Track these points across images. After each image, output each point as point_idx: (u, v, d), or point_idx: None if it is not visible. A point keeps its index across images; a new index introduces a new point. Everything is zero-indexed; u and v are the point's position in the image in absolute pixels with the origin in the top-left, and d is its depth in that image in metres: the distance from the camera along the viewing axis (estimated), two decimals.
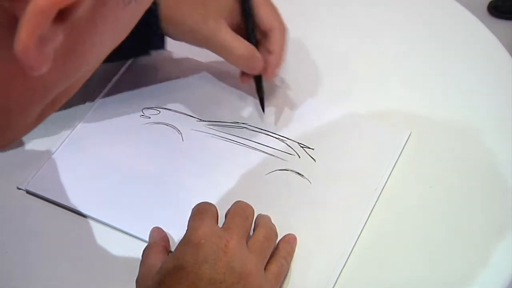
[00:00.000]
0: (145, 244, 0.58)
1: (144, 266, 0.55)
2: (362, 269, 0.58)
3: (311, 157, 0.65)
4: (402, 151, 0.65)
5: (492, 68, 0.73)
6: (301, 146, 0.66)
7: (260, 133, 0.67)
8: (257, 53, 0.63)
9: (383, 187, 0.62)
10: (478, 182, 0.63)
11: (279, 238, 0.58)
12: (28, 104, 0.30)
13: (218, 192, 0.63)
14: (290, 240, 0.58)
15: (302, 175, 0.64)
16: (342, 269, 0.57)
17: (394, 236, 0.60)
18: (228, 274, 0.51)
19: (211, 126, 0.68)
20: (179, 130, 0.68)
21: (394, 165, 0.64)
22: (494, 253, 0.58)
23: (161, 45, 0.66)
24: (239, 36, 0.62)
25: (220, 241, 0.52)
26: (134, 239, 0.60)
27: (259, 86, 0.65)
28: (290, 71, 0.72)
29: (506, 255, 0.58)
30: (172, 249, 0.58)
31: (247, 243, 0.55)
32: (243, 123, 0.68)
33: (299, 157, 0.65)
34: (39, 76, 0.26)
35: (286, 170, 0.64)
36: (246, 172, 0.64)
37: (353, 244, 0.58)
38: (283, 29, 0.64)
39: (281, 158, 0.65)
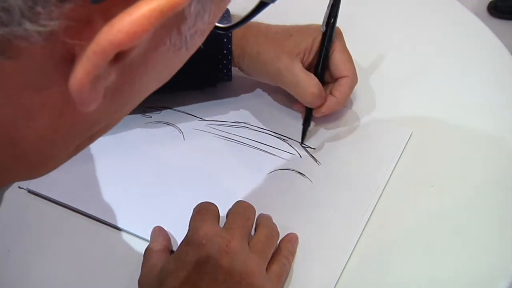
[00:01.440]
0: (147, 244, 0.58)
1: (146, 266, 0.55)
2: (363, 268, 0.58)
3: (313, 156, 0.65)
4: (403, 151, 0.65)
5: (493, 68, 0.73)
6: (302, 146, 0.66)
7: (261, 133, 0.67)
8: (323, 93, 0.64)
9: (385, 187, 0.62)
10: (478, 182, 0.63)
11: (280, 237, 0.58)
12: (71, 138, 0.30)
13: (219, 191, 0.63)
14: (292, 240, 0.58)
15: (303, 175, 0.64)
16: (343, 268, 0.57)
17: (395, 235, 0.60)
18: (229, 274, 0.51)
19: (212, 126, 0.68)
20: (180, 130, 0.68)
21: (396, 165, 0.64)
22: (494, 253, 0.58)
23: (228, 78, 0.68)
24: (311, 74, 0.64)
25: (222, 241, 0.52)
26: (136, 239, 0.60)
27: (307, 118, 0.66)
28: None
29: (506, 255, 0.58)
30: (174, 248, 0.59)
31: (248, 243, 0.55)
32: (244, 123, 0.68)
33: (301, 156, 0.65)
34: (87, 112, 0.27)
35: (287, 169, 0.64)
36: (247, 171, 0.64)
37: (355, 244, 0.59)
38: (354, 80, 0.65)
39: (283, 158, 0.65)
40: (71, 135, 0.30)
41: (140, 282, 0.55)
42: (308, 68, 0.65)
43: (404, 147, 0.65)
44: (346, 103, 0.67)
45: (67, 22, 0.24)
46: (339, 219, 0.60)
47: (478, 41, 0.76)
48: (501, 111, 0.69)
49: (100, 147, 0.67)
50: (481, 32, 0.77)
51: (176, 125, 0.68)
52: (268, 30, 0.66)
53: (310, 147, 0.66)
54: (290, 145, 0.66)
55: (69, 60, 0.25)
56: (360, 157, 0.65)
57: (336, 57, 0.65)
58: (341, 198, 0.62)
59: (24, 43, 0.23)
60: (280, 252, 0.57)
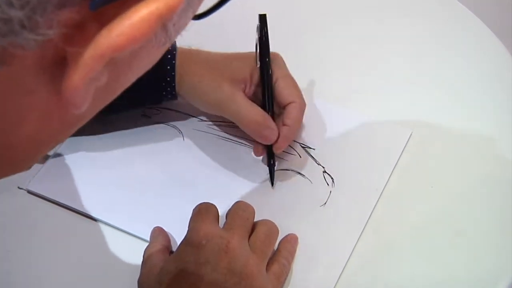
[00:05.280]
0: (146, 244, 0.58)
1: (145, 267, 0.55)
2: (363, 269, 0.58)
3: (312, 157, 0.65)
4: (403, 151, 0.65)
5: (493, 68, 0.73)
6: (302, 146, 0.66)
7: None
8: (271, 123, 0.62)
9: (384, 187, 0.62)
10: (478, 182, 0.63)
11: (280, 238, 0.58)
12: (58, 135, 0.31)
13: (218, 192, 0.63)
14: (291, 240, 0.58)
15: (303, 175, 0.64)
16: (343, 268, 0.57)
17: (395, 236, 0.60)
18: (229, 275, 0.51)
19: (212, 126, 0.68)
20: (180, 130, 0.68)
21: (395, 165, 0.64)
22: (494, 253, 0.58)
23: (173, 96, 0.65)
24: (253, 103, 0.62)
25: (221, 242, 0.52)
26: (135, 239, 0.60)
27: (270, 158, 0.63)
28: (290, 71, 0.72)
29: (506, 255, 0.58)
30: (173, 249, 0.58)
31: (248, 242, 0.55)
32: None
33: (300, 157, 0.65)
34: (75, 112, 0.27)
35: (287, 170, 0.64)
36: (247, 172, 0.64)
37: (354, 244, 0.59)
38: (302, 105, 0.63)
39: (282, 158, 0.65)
40: (57, 133, 0.30)
41: (139, 283, 0.55)
42: (253, 99, 0.63)
43: (404, 147, 0.65)
44: (299, 130, 0.65)
45: (63, 29, 0.24)
46: (338, 220, 0.60)
47: (478, 41, 0.76)
48: (501, 111, 0.69)
49: (99, 148, 0.67)
50: (481, 32, 0.77)
51: (176, 125, 0.68)
52: (209, 58, 0.64)
53: (310, 147, 0.66)
54: (290, 146, 0.66)
55: (59, 62, 0.25)
56: (360, 157, 0.65)
57: (280, 85, 0.63)
58: (341, 199, 0.62)
59: (19, 51, 0.23)
60: (279, 252, 0.57)
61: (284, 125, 0.62)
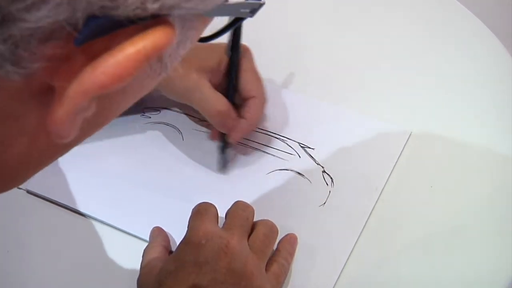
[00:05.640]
0: (146, 244, 0.58)
1: (145, 267, 0.55)
2: (362, 269, 0.58)
3: (312, 157, 0.65)
4: (402, 151, 0.65)
5: (493, 68, 0.73)
6: (301, 146, 0.66)
7: (260, 133, 0.67)
8: (233, 113, 0.63)
9: (384, 187, 0.62)
10: (478, 182, 0.63)
11: (279, 238, 0.58)
12: (46, 158, 0.31)
13: (218, 192, 0.63)
14: (291, 240, 0.58)
15: (302, 175, 0.64)
16: (342, 268, 0.57)
17: (394, 235, 0.60)
18: (229, 275, 0.51)
19: (211, 126, 0.68)
20: (179, 130, 0.68)
21: (395, 165, 0.64)
22: (494, 253, 0.58)
23: None
24: (219, 93, 0.63)
25: (221, 242, 0.52)
26: (135, 239, 0.60)
27: (224, 145, 0.65)
28: (290, 71, 0.72)
29: (506, 255, 0.58)
30: (173, 249, 0.58)
31: (247, 242, 0.55)
32: None
33: (300, 157, 0.65)
34: None
35: (286, 170, 0.64)
36: (246, 172, 0.64)
37: (354, 244, 0.59)
38: (263, 100, 0.65)
39: (282, 158, 0.65)
40: (47, 156, 0.30)
41: (139, 283, 0.55)
42: (218, 89, 0.63)
43: (403, 147, 0.65)
44: (258, 124, 0.66)
45: (48, 63, 0.23)
46: (337, 220, 0.60)
47: (477, 41, 0.76)
48: (500, 111, 0.69)
49: (99, 148, 0.67)
50: (480, 32, 0.77)
51: (175, 125, 0.68)
52: None
53: (309, 147, 0.66)
54: (289, 145, 0.66)
55: (46, 91, 0.25)
56: (359, 157, 0.65)
57: (245, 78, 0.63)
58: (340, 198, 0.62)
59: (3, 82, 0.23)
60: (279, 253, 0.57)
61: (243, 117, 0.63)
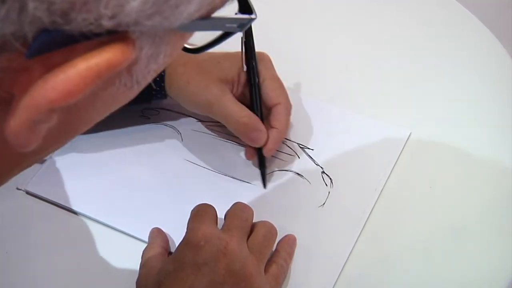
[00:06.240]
0: (145, 245, 0.58)
1: (144, 268, 0.55)
2: (361, 270, 0.57)
3: (311, 157, 0.65)
4: (402, 151, 0.65)
5: (492, 68, 0.73)
6: (300, 147, 0.66)
7: None
8: (261, 125, 0.62)
9: (383, 187, 0.62)
10: (477, 182, 0.63)
11: (278, 238, 0.58)
12: (18, 164, 0.30)
13: (217, 193, 0.63)
14: (289, 241, 0.58)
15: (301, 176, 0.64)
16: (342, 269, 0.57)
17: (394, 236, 0.60)
18: (228, 276, 0.51)
19: (210, 127, 0.68)
20: (178, 131, 0.68)
21: (394, 165, 0.64)
22: (494, 253, 0.58)
23: (162, 96, 0.65)
24: (242, 105, 0.62)
25: (220, 243, 0.52)
26: (134, 240, 0.60)
27: (262, 161, 0.63)
28: (289, 71, 0.72)
29: (506, 255, 0.58)
30: (172, 250, 0.58)
31: (246, 243, 0.55)
32: None
33: (299, 157, 0.65)
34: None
35: (285, 170, 0.64)
36: (245, 172, 0.64)
37: (353, 245, 0.58)
38: (288, 106, 0.64)
39: (281, 159, 0.65)
40: (17, 163, 0.30)
41: (138, 284, 0.55)
42: (241, 99, 0.63)
43: (403, 148, 0.65)
44: (288, 131, 0.65)
45: (4, 73, 0.23)
46: (337, 220, 0.60)
47: (477, 41, 0.76)
48: (500, 111, 0.69)
49: (98, 149, 0.67)
50: (480, 33, 0.77)
51: (174, 126, 0.68)
52: (197, 58, 0.62)
53: (309, 148, 0.66)
54: (289, 146, 0.66)
55: (10, 98, 0.24)
56: (359, 158, 0.65)
57: (267, 86, 0.63)
58: (339, 199, 0.62)
59: None
60: (278, 254, 0.57)
61: (272, 127, 0.62)
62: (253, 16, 0.32)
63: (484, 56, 0.74)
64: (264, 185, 0.63)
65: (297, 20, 0.78)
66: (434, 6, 0.79)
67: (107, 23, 0.24)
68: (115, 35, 0.25)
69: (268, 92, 0.63)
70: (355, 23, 0.78)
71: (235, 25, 0.32)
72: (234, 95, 0.63)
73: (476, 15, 0.78)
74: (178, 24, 0.27)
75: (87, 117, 0.29)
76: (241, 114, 0.61)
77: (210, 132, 0.68)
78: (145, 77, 0.29)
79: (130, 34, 0.25)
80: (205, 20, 0.28)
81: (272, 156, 0.64)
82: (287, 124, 0.64)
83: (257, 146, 0.62)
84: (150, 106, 0.69)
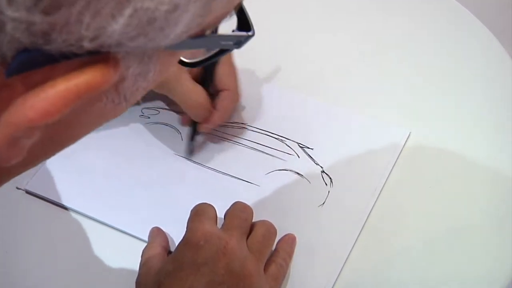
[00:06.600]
0: (145, 244, 0.58)
1: (143, 267, 0.55)
2: (361, 269, 0.58)
3: (311, 157, 0.65)
4: (401, 151, 0.65)
5: (492, 68, 0.73)
6: (300, 146, 0.66)
7: (259, 133, 0.67)
8: (209, 105, 0.64)
9: (383, 187, 0.62)
10: (477, 182, 0.63)
11: (278, 238, 0.58)
12: (5, 175, 0.30)
13: (217, 192, 0.63)
14: (289, 241, 0.58)
15: (301, 175, 0.64)
16: (341, 269, 0.57)
17: (393, 236, 0.60)
18: (227, 276, 0.51)
19: (183, 112, 0.68)
20: (178, 130, 0.68)
21: (394, 165, 0.64)
22: (494, 253, 0.58)
23: None
24: (198, 85, 0.63)
25: (220, 243, 0.52)
26: (134, 239, 0.60)
27: (193, 132, 0.66)
28: (289, 71, 0.72)
29: (506, 255, 0.58)
30: (172, 249, 0.58)
31: (246, 242, 0.55)
32: (242, 123, 0.68)
33: (299, 157, 0.65)
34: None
35: (285, 170, 0.64)
36: (245, 172, 0.64)
37: (353, 244, 0.59)
38: (236, 94, 0.65)
39: (281, 158, 0.65)
40: (4, 173, 0.29)
41: (137, 283, 0.55)
42: (195, 78, 0.64)
43: (403, 147, 0.65)
44: (229, 117, 0.66)
45: None
46: (337, 220, 0.60)
47: (477, 41, 0.76)
48: (500, 111, 0.69)
49: (98, 148, 0.67)
50: (480, 33, 0.77)
51: (174, 125, 0.68)
52: None
53: (308, 147, 0.66)
54: (288, 146, 0.66)
55: None
56: (358, 157, 0.65)
57: (219, 70, 0.64)
58: (339, 199, 0.62)
59: None
60: (277, 253, 0.57)
61: (215, 109, 0.64)
62: (250, 33, 0.31)
63: (484, 56, 0.74)
64: (190, 155, 0.65)
65: (297, 20, 0.78)
66: (434, 6, 0.79)
67: (88, 45, 0.23)
68: (97, 56, 0.24)
69: (221, 76, 0.64)
70: (355, 23, 0.78)
71: (231, 43, 0.31)
72: (191, 75, 0.64)
73: (476, 15, 0.78)
74: (165, 44, 0.26)
75: (73, 132, 0.29)
76: (199, 94, 0.63)
77: (210, 131, 0.68)
78: (133, 94, 0.28)
79: (114, 54, 0.25)
80: (197, 39, 0.28)
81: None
82: (229, 110, 0.66)
83: (198, 121, 0.65)
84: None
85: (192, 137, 0.66)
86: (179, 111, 0.68)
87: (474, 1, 0.83)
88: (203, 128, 0.65)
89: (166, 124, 0.68)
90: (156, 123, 0.69)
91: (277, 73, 0.72)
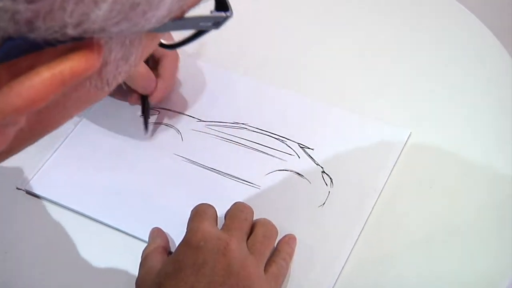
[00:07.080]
0: (145, 245, 0.58)
1: (143, 268, 0.55)
2: (362, 269, 0.57)
3: (311, 157, 0.65)
4: (401, 151, 0.65)
5: (492, 68, 0.73)
6: (300, 147, 0.66)
7: (259, 134, 0.67)
8: (152, 74, 0.65)
9: (383, 187, 0.62)
10: (477, 182, 0.63)
11: (278, 238, 0.58)
12: None
13: (217, 193, 0.63)
14: (289, 241, 0.58)
15: (301, 176, 0.64)
16: (342, 269, 0.57)
17: (393, 236, 0.60)
18: (227, 276, 0.51)
19: (210, 127, 0.68)
20: (178, 131, 0.68)
21: (394, 165, 0.64)
22: (494, 253, 0.58)
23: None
24: None
25: (220, 243, 0.52)
26: (134, 240, 0.60)
27: (146, 107, 0.67)
28: (290, 71, 0.72)
29: (506, 255, 0.58)
30: (172, 250, 0.58)
31: (246, 243, 0.55)
32: (242, 124, 0.68)
33: (299, 157, 0.65)
34: None
35: (285, 170, 0.64)
36: (245, 172, 0.64)
37: (353, 245, 0.58)
38: (175, 56, 0.66)
39: (281, 159, 0.65)
40: None
41: (137, 283, 0.55)
42: None
43: (403, 148, 0.65)
44: (174, 82, 0.68)
45: None
46: (337, 220, 0.60)
47: (477, 41, 0.76)
48: (500, 111, 0.69)
49: (98, 148, 0.67)
50: (480, 33, 0.77)
51: (174, 126, 0.68)
52: None
53: (309, 148, 0.66)
54: (289, 146, 0.66)
55: None
56: (359, 157, 0.65)
57: None
58: (339, 199, 0.62)
59: None
60: (278, 253, 0.57)
61: (159, 77, 0.65)
62: (228, 13, 0.32)
63: (484, 56, 0.74)
64: (146, 129, 0.67)
65: (297, 20, 0.78)
66: (434, 6, 0.79)
67: (72, 32, 0.24)
68: (81, 42, 0.25)
69: None
70: (355, 23, 0.78)
71: (209, 23, 0.31)
72: None
73: (476, 15, 0.78)
74: (147, 28, 0.27)
75: (58, 116, 0.30)
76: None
77: (210, 132, 0.68)
78: (116, 78, 0.29)
79: (97, 40, 0.25)
80: (177, 21, 0.28)
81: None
82: (174, 74, 0.67)
83: (146, 94, 0.65)
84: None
85: (145, 112, 0.66)
86: (176, 110, 0.68)
87: (474, 1, 0.83)
88: (153, 99, 0.66)
89: (166, 124, 0.68)
90: (156, 123, 0.69)
91: (277, 73, 0.72)
